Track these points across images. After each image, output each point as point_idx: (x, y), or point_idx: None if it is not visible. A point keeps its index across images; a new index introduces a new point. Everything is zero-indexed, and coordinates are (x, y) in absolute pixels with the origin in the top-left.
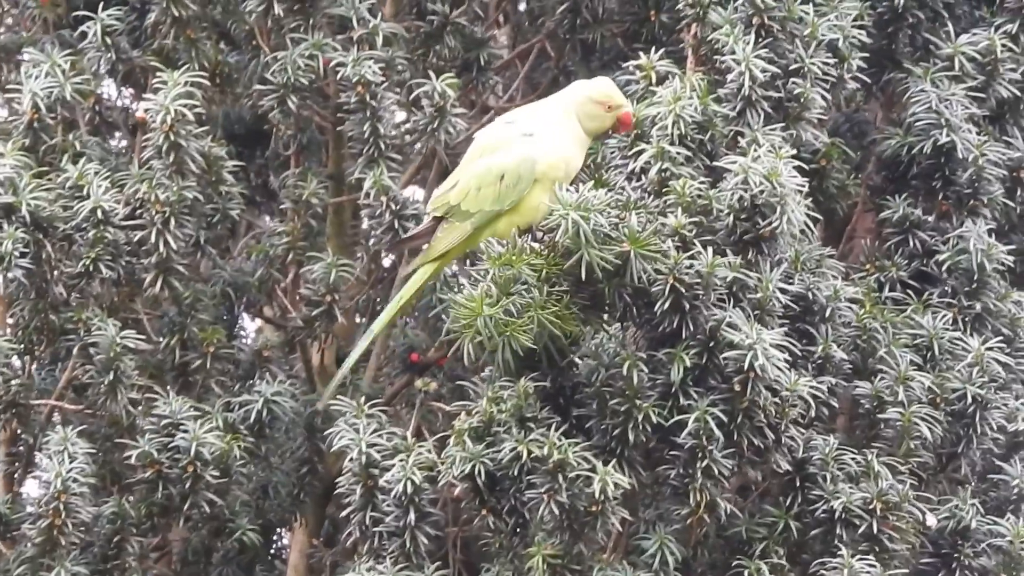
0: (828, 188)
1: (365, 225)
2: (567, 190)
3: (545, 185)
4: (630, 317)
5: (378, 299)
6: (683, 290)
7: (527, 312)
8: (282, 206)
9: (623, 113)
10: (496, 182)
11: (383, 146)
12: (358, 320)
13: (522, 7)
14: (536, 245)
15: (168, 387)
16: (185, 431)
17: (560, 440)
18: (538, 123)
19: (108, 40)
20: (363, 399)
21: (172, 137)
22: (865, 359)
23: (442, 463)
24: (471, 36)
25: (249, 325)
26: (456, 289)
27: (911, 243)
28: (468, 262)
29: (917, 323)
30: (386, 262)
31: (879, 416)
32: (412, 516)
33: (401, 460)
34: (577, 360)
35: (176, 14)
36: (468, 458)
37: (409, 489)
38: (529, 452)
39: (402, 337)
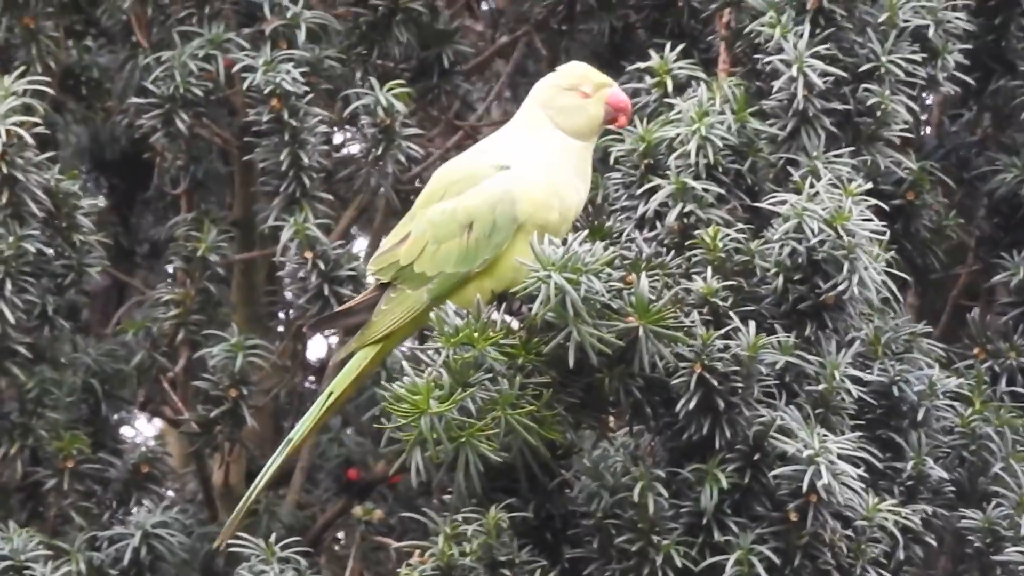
0: (919, 232)
1: (285, 292)
2: (554, 242)
3: (533, 234)
4: (642, 419)
5: (304, 393)
6: (715, 382)
7: (491, 411)
8: (169, 265)
9: (610, 95)
10: (462, 233)
11: (308, 182)
12: (276, 422)
13: None
14: (511, 320)
15: (8, 515)
16: None
17: None
18: (513, 148)
19: None
20: (276, 535)
21: (5, 168)
22: (974, 478)
23: None
24: (430, 28)
25: (127, 430)
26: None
27: None
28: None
29: None
30: (317, 342)
31: (993, 557)
32: None
33: None
34: (571, 479)
35: None
36: None
37: None
38: None
39: (336, 446)
